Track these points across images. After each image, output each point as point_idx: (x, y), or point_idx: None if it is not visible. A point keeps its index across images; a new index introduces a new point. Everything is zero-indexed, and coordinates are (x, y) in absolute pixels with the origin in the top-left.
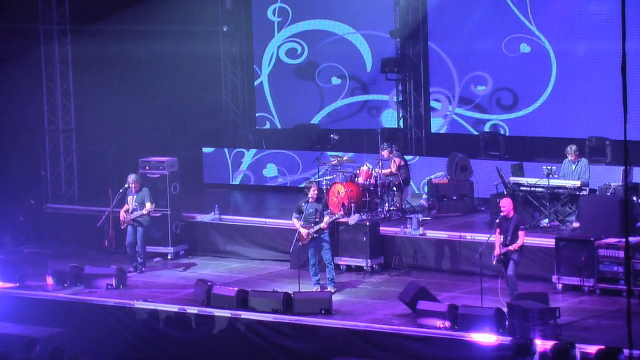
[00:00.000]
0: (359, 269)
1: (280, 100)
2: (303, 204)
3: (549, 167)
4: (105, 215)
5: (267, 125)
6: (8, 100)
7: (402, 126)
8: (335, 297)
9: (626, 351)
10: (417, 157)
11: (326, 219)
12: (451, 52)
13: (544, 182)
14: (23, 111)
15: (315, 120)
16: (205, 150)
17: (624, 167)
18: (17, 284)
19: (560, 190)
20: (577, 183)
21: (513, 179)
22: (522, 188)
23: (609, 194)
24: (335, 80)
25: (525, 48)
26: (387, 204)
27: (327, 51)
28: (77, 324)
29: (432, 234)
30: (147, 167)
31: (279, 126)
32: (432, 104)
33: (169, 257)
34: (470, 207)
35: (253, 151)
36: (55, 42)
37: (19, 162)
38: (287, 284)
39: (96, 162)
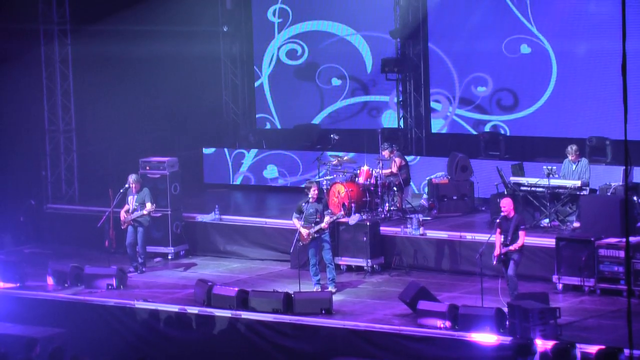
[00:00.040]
0: (359, 269)
1: (281, 102)
2: (303, 204)
3: (550, 167)
4: (105, 216)
5: (268, 127)
6: (8, 101)
7: (402, 126)
8: (335, 297)
9: (627, 351)
10: (418, 157)
11: (327, 219)
12: (451, 53)
13: (544, 182)
14: (23, 111)
15: (315, 121)
16: (206, 151)
17: (624, 167)
18: (18, 284)
19: (560, 190)
20: (578, 183)
21: (513, 179)
22: (522, 188)
23: (609, 193)
24: (336, 81)
25: (525, 49)
26: (387, 204)
27: (327, 52)
28: (78, 324)
29: (432, 234)
30: (148, 167)
31: (279, 127)
32: (433, 105)
33: (170, 257)
34: (471, 207)
35: (253, 152)
36: (55, 42)
37: (19, 162)
38: (287, 284)
39: (96, 162)
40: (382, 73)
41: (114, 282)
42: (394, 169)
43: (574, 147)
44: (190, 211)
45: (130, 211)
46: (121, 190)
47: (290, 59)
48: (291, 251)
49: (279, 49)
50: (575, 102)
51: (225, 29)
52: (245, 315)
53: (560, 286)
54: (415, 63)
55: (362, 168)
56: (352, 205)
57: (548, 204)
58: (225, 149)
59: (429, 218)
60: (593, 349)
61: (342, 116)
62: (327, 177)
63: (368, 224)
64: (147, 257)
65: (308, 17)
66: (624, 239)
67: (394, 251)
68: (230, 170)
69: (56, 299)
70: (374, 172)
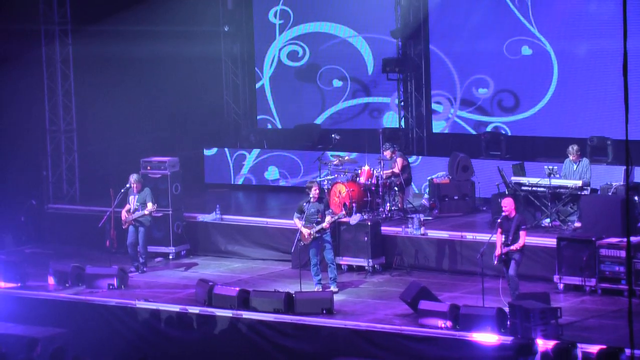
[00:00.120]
0: (360, 268)
1: (282, 103)
2: (304, 204)
3: (551, 167)
4: (106, 216)
5: (269, 127)
6: (9, 101)
7: (403, 126)
8: (336, 297)
9: (628, 351)
10: (419, 157)
11: (328, 218)
12: (452, 55)
13: (545, 181)
14: (24, 111)
15: (317, 122)
16: (207, 152)
17: (625, 167)
18: (19, 284)
19: (561, 190)
20: (579, 183)
21: (514, 179)
22: (523, 188)
23: (610, 193)
24: (337, 83)
25: (526, 50)
26: (388, 204)
27: (328, 53)
28: (79, 324)
29: (433, 233)
30: (149, 167)
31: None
32: (434, 106)
33: (171, 257)
34: (472, 207)
35: (254, 153)
36: (56, 42)
37: (20, 162)
38: (288, 284)
39: (97, 162)
40: (384, 73)
41: (115, 282)
42: (397, 170)
43: (575, 147)
44: (192, 211)
45: (131, 211)
46: (122, 190)
47: (291, 61)
48: (292, 251)
49: (280, 50)
50: (576, 102)
51: (226, 29)
52: (246, 315)
53: (561, 286)
54: (416, 63)
55: (363, 168)
56: (353, 205)
57: (549, 204)
58: (226, 149)
59: (430, 218)
60: (594, 348)
61: (343, 117)
62: (328, 177)
63: (369, 223)
64: (148, 257)
65: (309, 18)
66: (625, 239)
67: (395, 251)
68: (232, 171)
69: (57, 299)
70: (375, 172)
